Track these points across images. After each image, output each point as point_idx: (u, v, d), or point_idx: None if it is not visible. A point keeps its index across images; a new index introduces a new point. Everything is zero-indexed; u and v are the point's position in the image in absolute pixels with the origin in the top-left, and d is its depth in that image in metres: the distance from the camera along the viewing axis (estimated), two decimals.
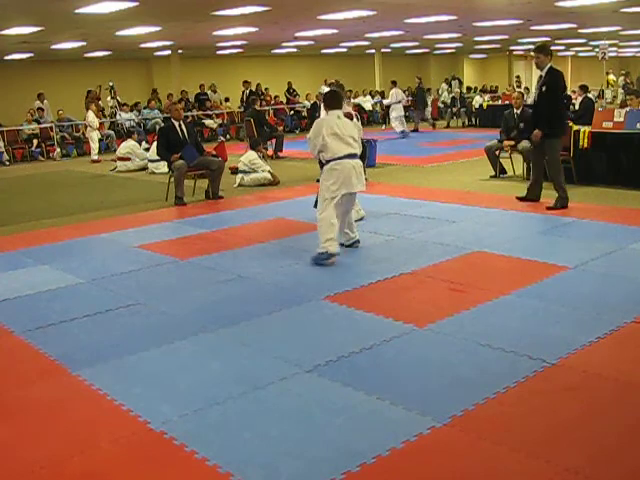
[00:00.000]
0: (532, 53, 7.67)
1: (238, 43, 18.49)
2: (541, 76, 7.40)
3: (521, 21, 15.56)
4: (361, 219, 7.15)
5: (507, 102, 17.81)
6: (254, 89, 20.80)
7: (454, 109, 21.18)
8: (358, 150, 5.92)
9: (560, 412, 3.15)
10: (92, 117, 15.44)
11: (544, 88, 7.29)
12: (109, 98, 18.37)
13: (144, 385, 3.64)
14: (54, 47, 15.45)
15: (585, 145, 8.94)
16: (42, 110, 17.19)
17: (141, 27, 13.02)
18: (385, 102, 19.64)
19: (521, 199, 7.95)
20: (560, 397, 3.29)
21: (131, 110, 18.48)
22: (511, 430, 3.01)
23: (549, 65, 7.32)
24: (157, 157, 11.93)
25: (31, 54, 16.79)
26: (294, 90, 22.45)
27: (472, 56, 31.45)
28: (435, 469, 2.76)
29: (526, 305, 4.59)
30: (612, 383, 3.42)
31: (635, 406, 3.19)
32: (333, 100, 6.02)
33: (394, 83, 18.11)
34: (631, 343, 3.91)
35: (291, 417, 3.21)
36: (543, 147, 7.48)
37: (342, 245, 6.09)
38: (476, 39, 21.54)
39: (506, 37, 21.02)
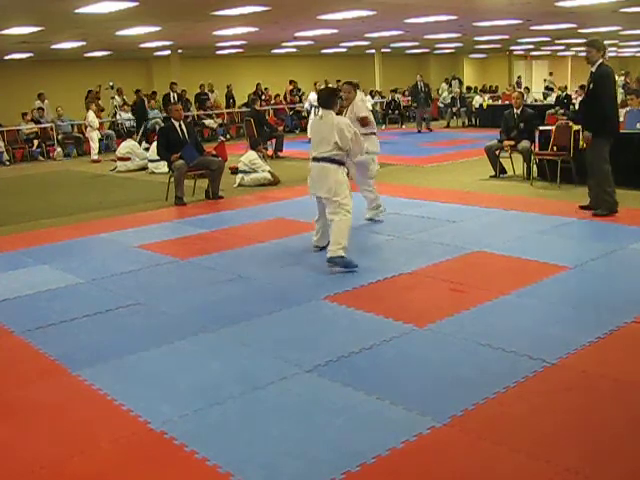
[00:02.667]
0: (582, 48, 7.33)
1: (238, 43, 18.47)
2: (592, 72, 7.03)
3: (521, 21, 15.56)
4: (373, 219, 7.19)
5: (507, 102, 17.81)
6: (254, 89, 20.75)
7: (454, 109, 21.16)
8: (329, 153, 5.57)
9: (560, 412, 3.15)
10: (92, 117, 15.44)
11: (592, 86, 6.97)
12: (116, 97, 18.40)
13: (144, 385, 3.64)
14: (54, 47, 15.45)
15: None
16: (42, 110, 17.18)
17: (141, 27, 13.01)
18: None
19: (584, 207, 7.39)
20: (560, 397, 3.29)
21: (131, 110, 18.48)
22: (511, 430, 3.02)
23: (600, 61, 6.95)
24: (157, 157, 11.95)
25: (31, 54, 16.78)
26: (299, 90, 22.30)
27: (472, 56, 31.44)
28: (435, 469, 2.76)
29: (526, 305, 4.60)
30: (612, 383, 3.42)
31: (635, 406, 3.19)
32: (322, 99, 5.90)
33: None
34: (631, 343, 3.91)
35: (291, 417, 3.21)
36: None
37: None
38: (476, 39, 21.53)
39: (506, 37, 21.02)
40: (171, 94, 17.25)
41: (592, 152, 7.20)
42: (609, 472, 2.68)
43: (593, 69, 6.99)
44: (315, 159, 5.71)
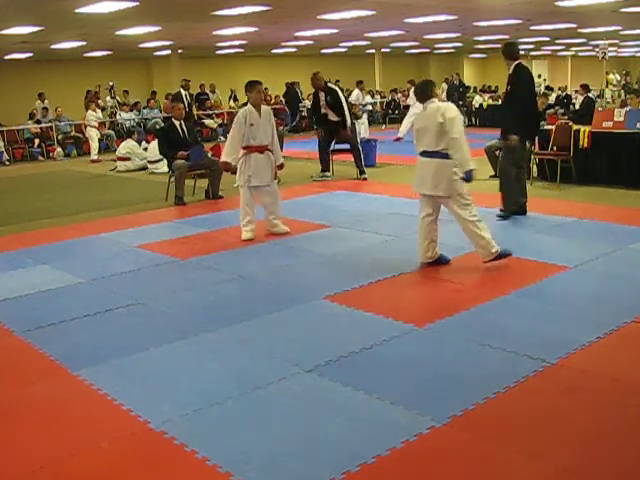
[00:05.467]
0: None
1: (238, 43, 18.48)
2: (509, 75, 6.83)
3: (521, 21, 15.55)
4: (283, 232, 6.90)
5: None
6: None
7: None
8: (444, 146, 5.17)
9: (560, 412, 3.15)
10: (92, 116, 15.46)
11: (509, 87, 6.77)
12: (108, 98, 18.41)
13: (144, 385, 3.64)
14: (54, 47, 15.44)
15: (585, 145, 8.94)
16: (46, 110, 17.18)
17: (141, 27, 13.01)
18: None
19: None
20: (560, 397, 3.29)
21: (131, 110, 18.51)
22: (511, 430, 3.02)
23: (516, 62, 6.78)
24: (156, 158, 11.97)
25: (31, 54, 16.79)
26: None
27: (472, 56, 31.44)
28: (435, 469, 2.76)
29: (526, 305, 4.60)
30: (612, 383, 3.42)
31: (635, 406, 3.19)
32: (418, 92, 5.51)
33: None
34: (631, 343, 3.91)
35: (291, 417, 3.21)
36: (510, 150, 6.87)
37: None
38: (476, 39, 21.53)
39: (506, 37, 21.00)
40: (182, 92, 15.08)
41: (502, 154, 7.13)
42: (609, 472, 2.68)
43: (510, 71, 6.78)
44: (425, 153, 5.28)
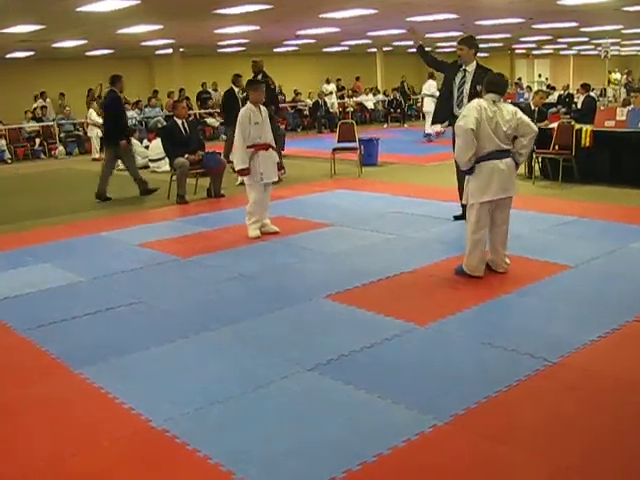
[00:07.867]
0: (456, 45, 6.71)
1: (240, 41, 18.47)
2: (465, 71, 6.62)
3: (523, 20, 15.54)
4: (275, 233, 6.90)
5: (509, 101, 17.77)
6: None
7: None
8: (509, 145, 4.97)
9: (562, 411, 3.15)
10: (94, 115, 15.47)
11: (479, 87, 6.15)
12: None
13: (145, 383, 3.64)
14: (55, 45, 15.44)
15: (587, 144, 8.93)
16: (45, 108, 17.19)
17: (142, 25, 13.00)
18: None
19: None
20: (561, 396, 3.29)
21: (132, 108, 18.49)
22: (513, 429, 3.02)
23: (475, 61, 6.65)
24: (158, 156, 11.97)
25: (32, 52, 16.79)
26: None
27: None
28: (437, 468, 2.76)
29: (527, 304, 4.59)
30: (613, 382, 3.42)
31: (636, 405, 3.19)
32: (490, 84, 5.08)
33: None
34: (632, 342, 3.90)
35: (292, 416, 3.21)
36: None
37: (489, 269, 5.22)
38: (478, 37, 21.50)
39: (508, 36, 20.99)
40: (235, 89, 12.43)
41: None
42: (611, 471, 2.68)
43: (469, 69, 6.59)
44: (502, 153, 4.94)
